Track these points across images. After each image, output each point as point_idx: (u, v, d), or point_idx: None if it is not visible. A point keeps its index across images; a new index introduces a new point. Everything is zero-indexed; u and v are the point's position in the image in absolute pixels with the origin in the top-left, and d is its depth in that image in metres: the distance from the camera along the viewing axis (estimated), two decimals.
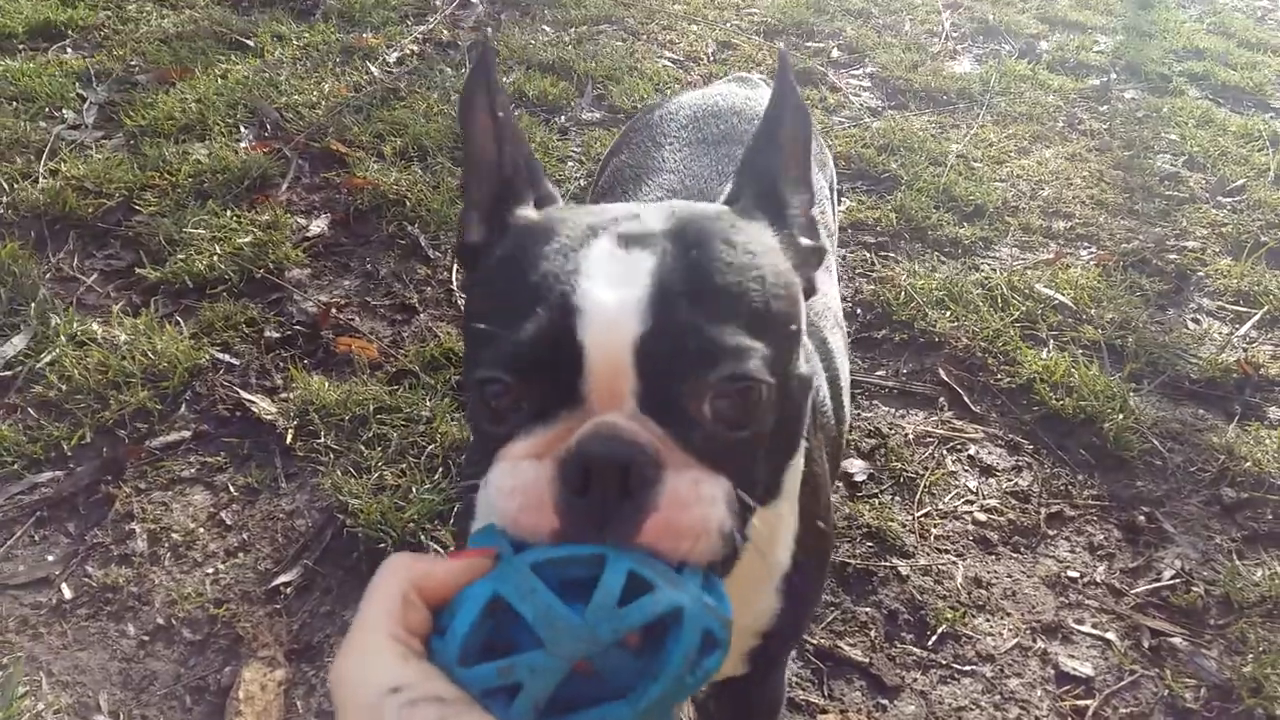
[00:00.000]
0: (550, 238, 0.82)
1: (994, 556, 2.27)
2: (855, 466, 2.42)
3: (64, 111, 3.46)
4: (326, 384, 2.44)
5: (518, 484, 0.73)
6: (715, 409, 0.75)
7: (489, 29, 4.40)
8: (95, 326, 2.51)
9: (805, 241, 0.97)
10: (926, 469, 2.46)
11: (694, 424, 0.75)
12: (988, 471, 2.48)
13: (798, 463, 1.02)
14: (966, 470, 2.48)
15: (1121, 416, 2.55)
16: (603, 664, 0.63)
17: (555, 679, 0.61)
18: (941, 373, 2.74)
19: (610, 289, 0.74)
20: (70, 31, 3.96)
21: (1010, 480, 2.46)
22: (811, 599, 1.32)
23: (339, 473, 2.21)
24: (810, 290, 0.96)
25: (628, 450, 0.71)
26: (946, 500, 2.39)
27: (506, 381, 0.77)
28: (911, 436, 2.55)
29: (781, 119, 0.98)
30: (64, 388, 2.33)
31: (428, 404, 2.41)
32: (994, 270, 3.16)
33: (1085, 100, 4.40)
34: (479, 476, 0.80)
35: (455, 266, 2.94)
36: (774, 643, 1.18)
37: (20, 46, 3.83)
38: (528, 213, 0.94)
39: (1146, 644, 2.09)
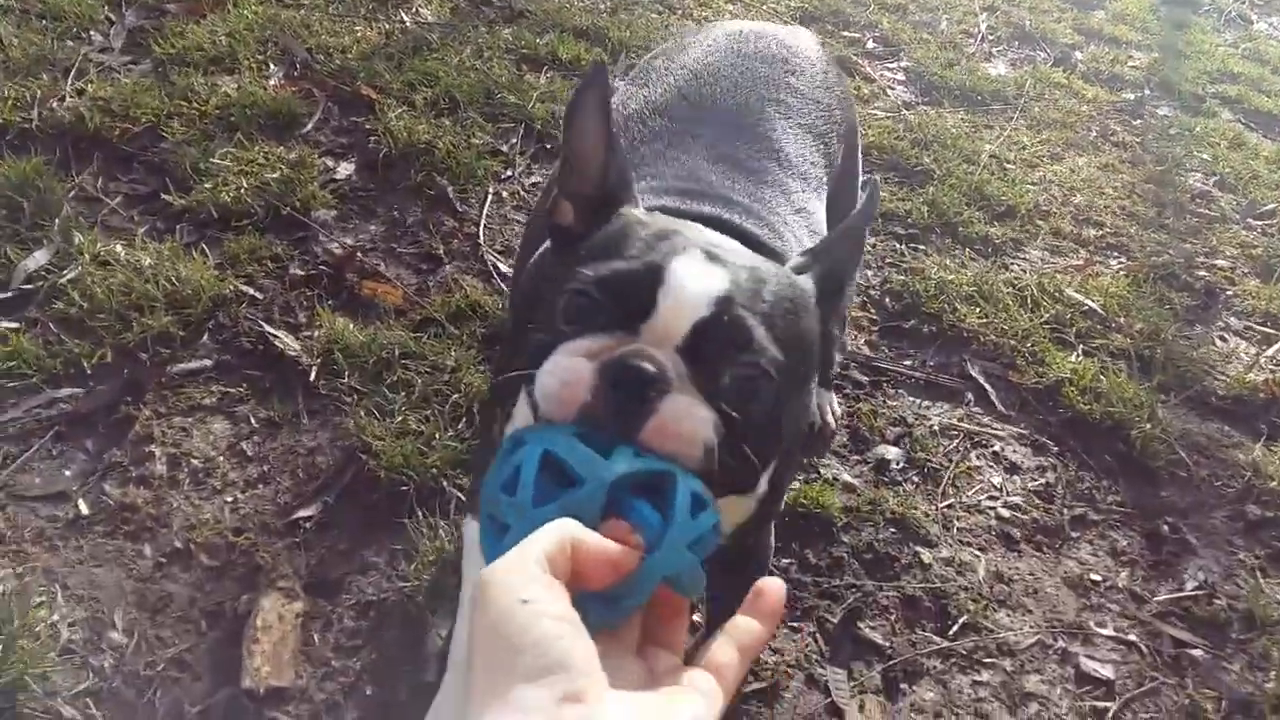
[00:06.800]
0: (654, 229, 1.08)
1: (1016, 553, 2.25)
2: (891, 454, 2.40)
3: (92, 33, 3.38)
4: (351, 325, 2.39)
5: (568, 367, 0.93)
6: (732, 381, 0.96)
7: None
8: (119, 248, 2.45)
9: (834, 329, 1.29)
10: (951, 461, 2.43)
11: (713, 382, 0.96)
12: (1013, 469, 2.46)
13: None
14: (991, 466, 2.46)
15: (1149, 425, 2.53)
16: (635, 518, 0.79)
17: (598, 506, 0.78)
18: (970, 367, 2.72)
19: (693, 277, 0.99)
20: None
21: (1035, 480, 2.44)
22: (778, 499, 1.54)
23: (362, 413, 2.16)
24: (829, 362, 1.29)
25: (655, 370, 0.92)
26: (970, 494, 2.37)
27: (595, 296, 0.99)
28: (937, 428, 2.53)
29: (863, 231, 1.22)
30: (86, 306, 2.27)
31: (453, 354, 2.37)
32: (1024, 271, 3.14)
33: (1119, 113, 4.38)
34: (528, 368, 1.00)
35: (482, 222, 2.89)
36: (743, 532, 1.44)
37: None
38: (636, 211, 1.16)
39: (1168, 653, 2.08)
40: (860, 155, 2.19)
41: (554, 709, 0.60)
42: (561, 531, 0.71)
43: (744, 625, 0.79)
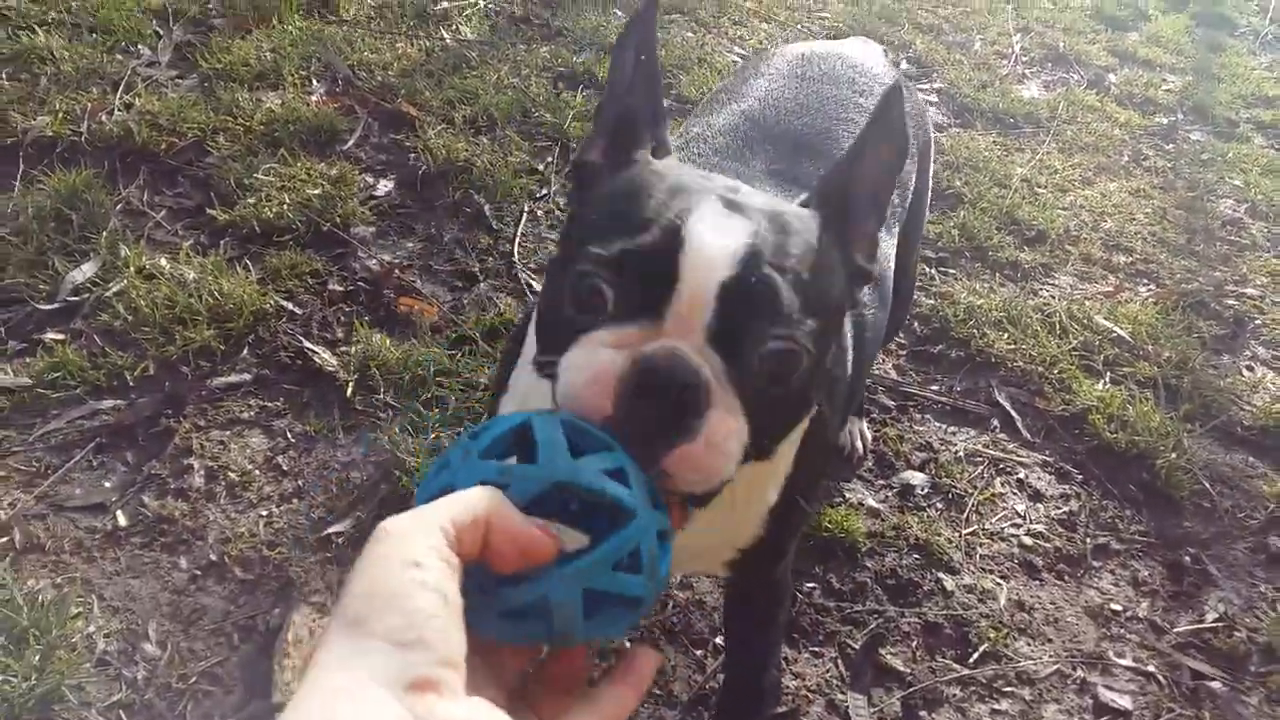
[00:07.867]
0: (667, 181, 0.96)
1: (1038, 582, 2.26)
2: (917, 479, 2.42)
3: (140, 47, 3.47)
4: (388, 341, 2.44)
5: (593, 363, 0.82)
6: (763, 362, 0.85)
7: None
8: (164, 262, 2.52)
9: (859, 260, 1.08)
10: (975, 488, 2.45)
11: (747, 369, 0.84)
12: (1036, 497, 2.47)
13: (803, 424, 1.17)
14: (1015, 493, 2.47)
15: (1174, 455, 2.54)
16: (585, 523, 0.73)
17: (530, 491, 0.71)
18: (996, 393, 2.74)
19: (714, 234, 0.86)
20: None
21: (1058, 508, 2.45)
22: (794, 528, 1.45)
23: (397, 430, 2.22)
24: (854, 303, 1.12)
25: (691, 377, 0.81)
26: (994, 521, 2.38)
27: (604, 278, 0.87)
28: (962, 454, 2.54)
29: (868, 146, 1.05)
30: (130, 318, 2.34)
31: (486, 371, 2.42)
32: (1053, 297, 3.15)
33: (1151, 137, 4.36)
34: (545, 355, 0.91)
35: (516, 240, 2.94)
36: (754, 557, 1.36)
37: None
38: (650, 156, 1.07)
39: (1186, 684, 2.08)
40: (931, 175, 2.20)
41: (400, 686, 0.55)
42: (481, 501, 0.67)
43: (610, 694, 0.74)
